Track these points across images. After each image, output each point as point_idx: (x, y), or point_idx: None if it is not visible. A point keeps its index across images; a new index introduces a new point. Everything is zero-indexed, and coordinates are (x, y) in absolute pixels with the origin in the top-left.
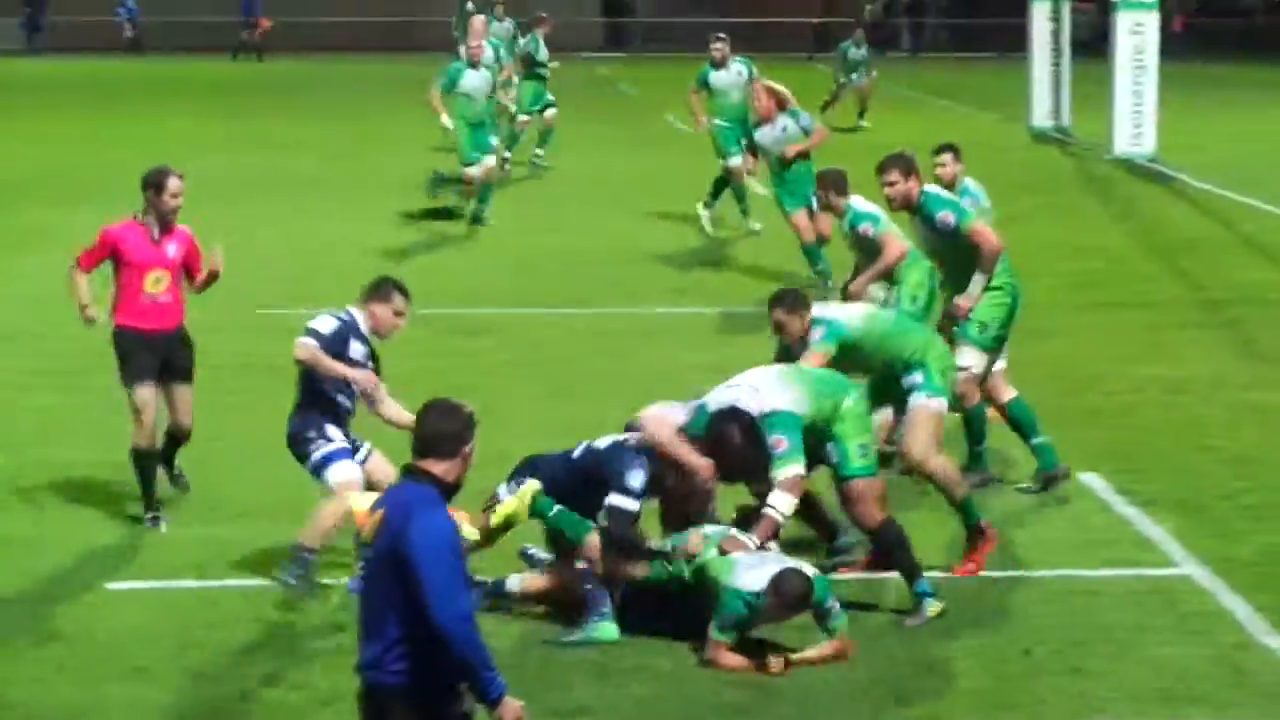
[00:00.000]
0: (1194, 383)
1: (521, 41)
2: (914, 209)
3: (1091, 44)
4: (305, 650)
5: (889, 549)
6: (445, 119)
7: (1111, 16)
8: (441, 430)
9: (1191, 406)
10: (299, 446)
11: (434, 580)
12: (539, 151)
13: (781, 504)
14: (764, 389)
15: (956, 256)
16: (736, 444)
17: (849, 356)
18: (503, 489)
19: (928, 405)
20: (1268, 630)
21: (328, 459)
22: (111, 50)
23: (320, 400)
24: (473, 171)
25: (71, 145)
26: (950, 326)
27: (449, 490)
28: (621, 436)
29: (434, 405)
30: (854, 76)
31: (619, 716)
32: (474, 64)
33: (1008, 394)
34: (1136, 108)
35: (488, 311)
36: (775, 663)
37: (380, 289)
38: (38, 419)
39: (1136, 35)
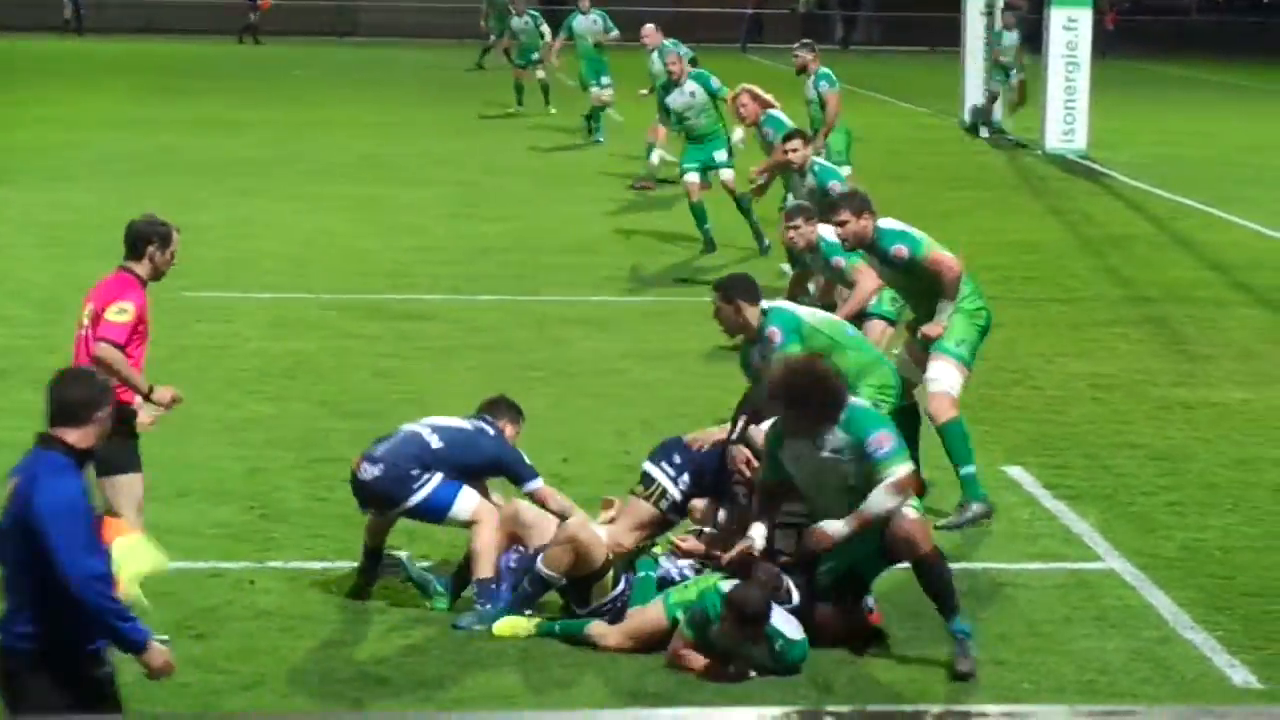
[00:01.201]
0: (1121, 379)
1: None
2: (868, 246)
3: (1024, 39)
4: (228, 633)
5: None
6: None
7: (1045, 12)
8: (74, 398)
9: (1118, 403)
10: (400, 490)
11: (63, 543)
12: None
13: (887, 503)
14: None
15: (918, 287)
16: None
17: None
18: (650, 466)
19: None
20: (1190, 624)
21: (448, 493)
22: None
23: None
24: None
25: None
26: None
27: (82, 457)
28: None
29: (66, 373)
30: (1011, 73)
31: (540, 700)
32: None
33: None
34: (1069, 104)
35: (430, 298)
36: (737, 666)
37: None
38: None
39: (1069, 31)
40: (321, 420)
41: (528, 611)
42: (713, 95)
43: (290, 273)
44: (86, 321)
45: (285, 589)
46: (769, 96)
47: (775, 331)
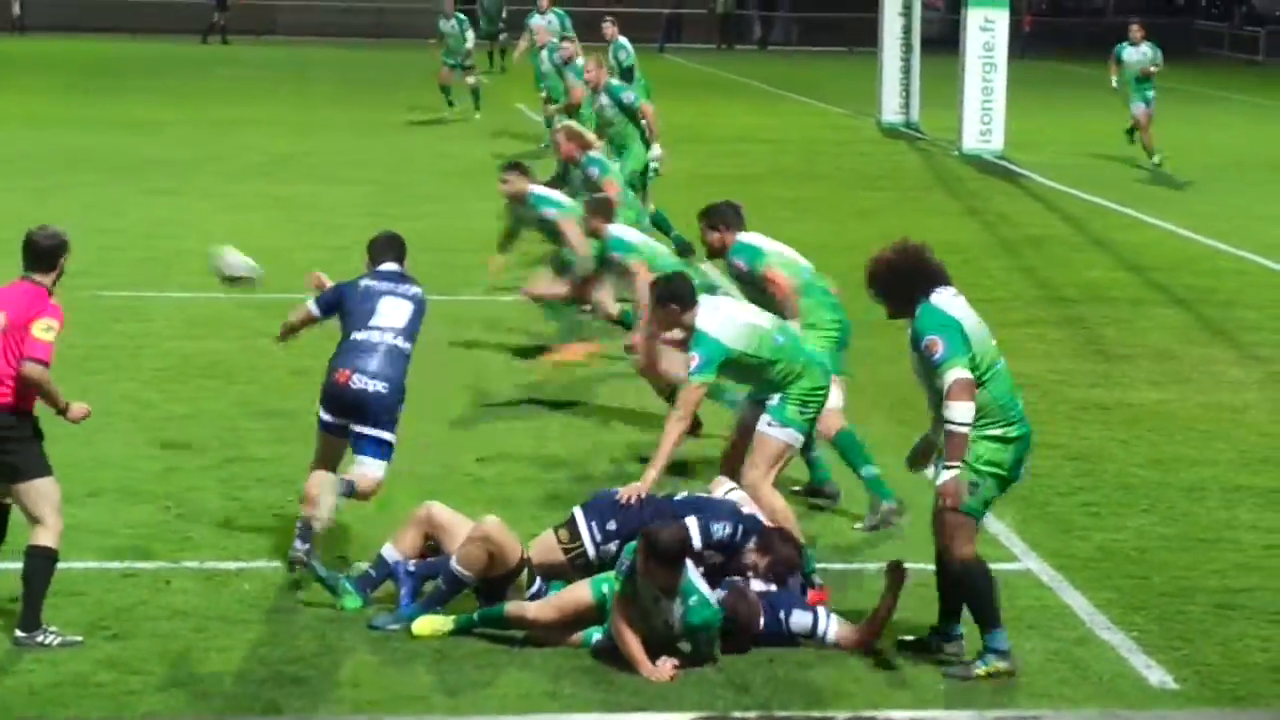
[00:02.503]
0: (1038, 379)
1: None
2: (726, 258)
3: (942, 40)
4: (143, 633)
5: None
6: None
7: (962, 13)
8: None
9: (1035, 403)
10: (389, 416)
11: None
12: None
13: (960, 414)
14: None
15: (764, 302)
16: None
17: (724, 370)
18: (580, 520)
19: (767, 432)
20: (1107, 625)
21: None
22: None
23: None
24: None
25: None
26: None
27: None
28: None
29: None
30: (1149, 96)
31: (456, 703)
32: None
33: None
34: (986, 104)
35: None
36: (664, 665)
37: None
38: None
39: (986, 32)
40: (238, 420)
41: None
42: (623, 108)
43: (207, 272)
44: None
45: (201, 589)
46: (590, 136)
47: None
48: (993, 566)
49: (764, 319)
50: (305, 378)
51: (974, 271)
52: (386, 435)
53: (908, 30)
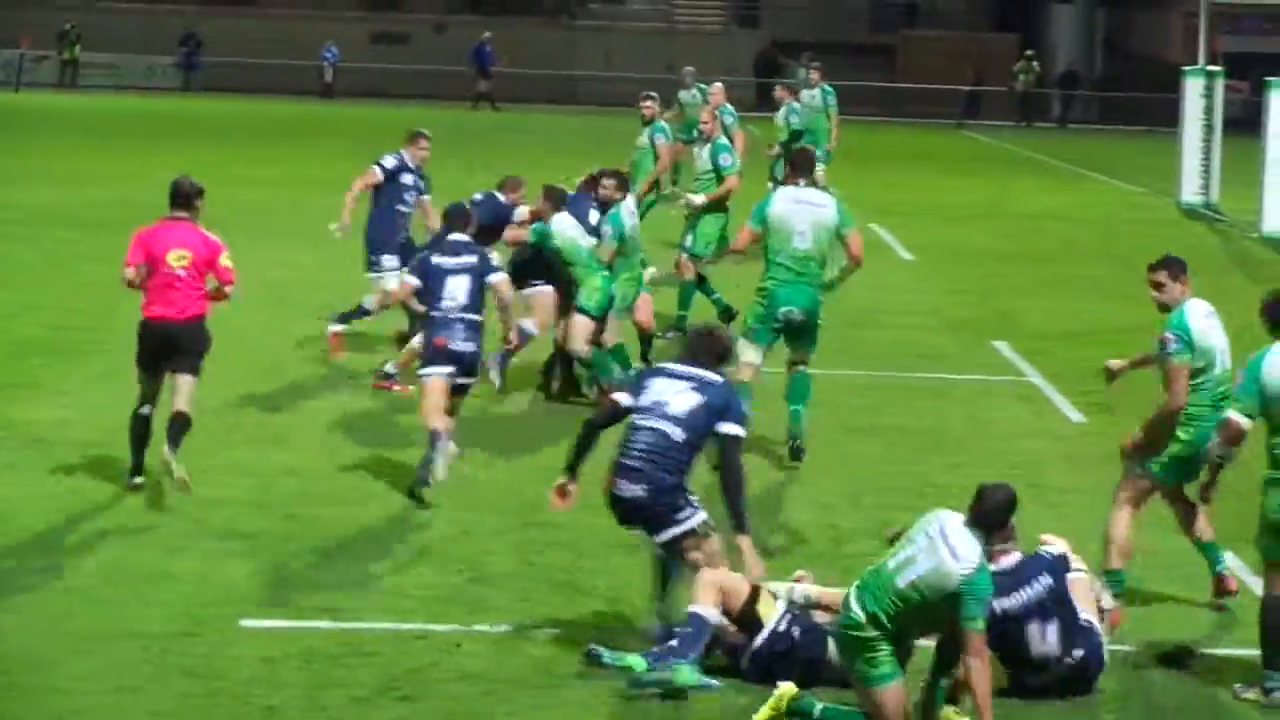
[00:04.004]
0: None
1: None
2: None
3: (1243, 121)
4: (433, 695)
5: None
6: None
7: (1264, 94)
8: None
9: None
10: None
11: None
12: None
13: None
14: None
15: None
16: None
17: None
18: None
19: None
20: None
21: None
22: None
23: None
24: None
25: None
26: None
27: None
28: None
29: None
30: None
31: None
32: None
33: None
34: None
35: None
36: None
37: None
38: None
39: None
40: (532, 485)
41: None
42: (715, 168)
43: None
44: (179, 267)
45: (491, 653)
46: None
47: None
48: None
49: None
50: (603, 444)
51: None
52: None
53: (1209, 111)
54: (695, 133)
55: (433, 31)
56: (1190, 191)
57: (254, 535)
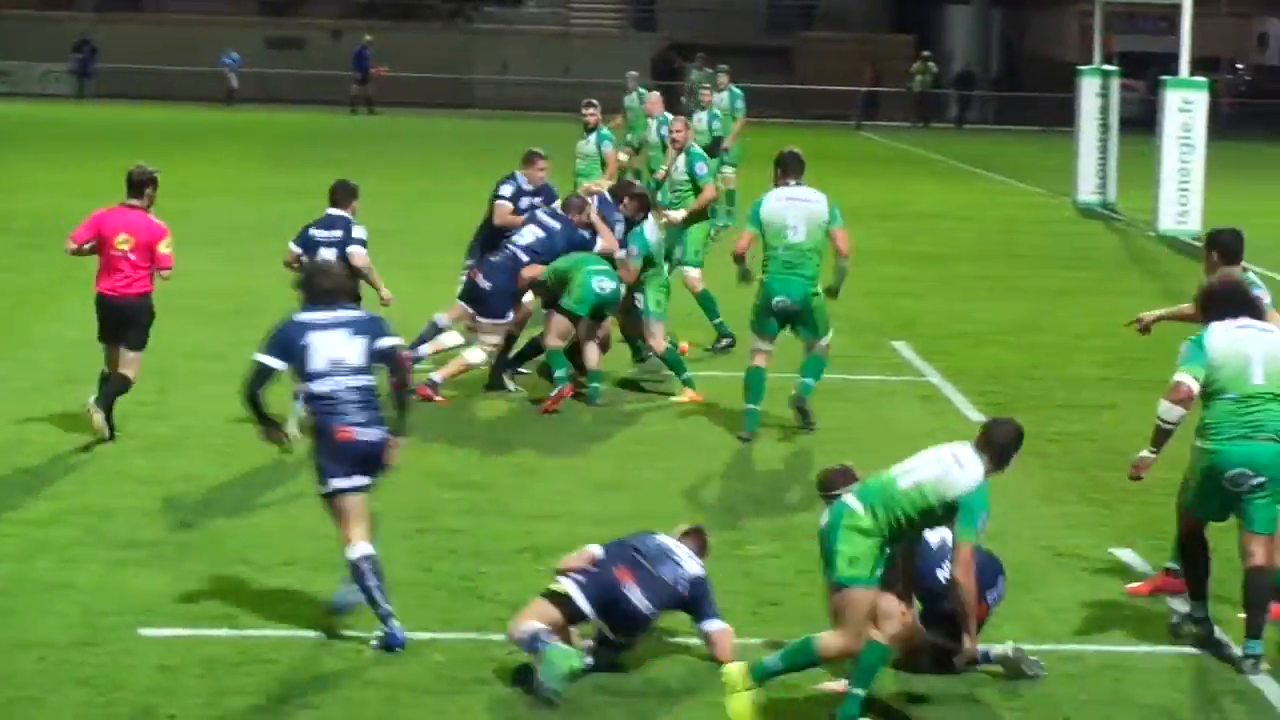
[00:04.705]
0: None
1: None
2: None
3: (1140, 120)
4: (334, 702)
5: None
6: None
7: (1160, 94)
8: None
9: None
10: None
11: None
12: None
13: (1161, 410)
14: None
15: None
16: None
17: None
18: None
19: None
20: None
21: None
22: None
23: None
24: None
25: None
26: None
27: None
28: None
29: None
30: None
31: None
32: None
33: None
34: (1183, 185)
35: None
36: None
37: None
38: (75, 467)
39: (1185, 113)
40: (431, 491)
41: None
42: (691, 178)
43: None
44: (126, 248)
45: (392, 659)
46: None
47: None
48: (1186, 650)
49: None
50: (500, 449)
51: (1171, 352)
52: None
53: (1105, 110)
54: (636, 138)
55: (329, 37)
56: (1087, 191)
57: (152, 544)
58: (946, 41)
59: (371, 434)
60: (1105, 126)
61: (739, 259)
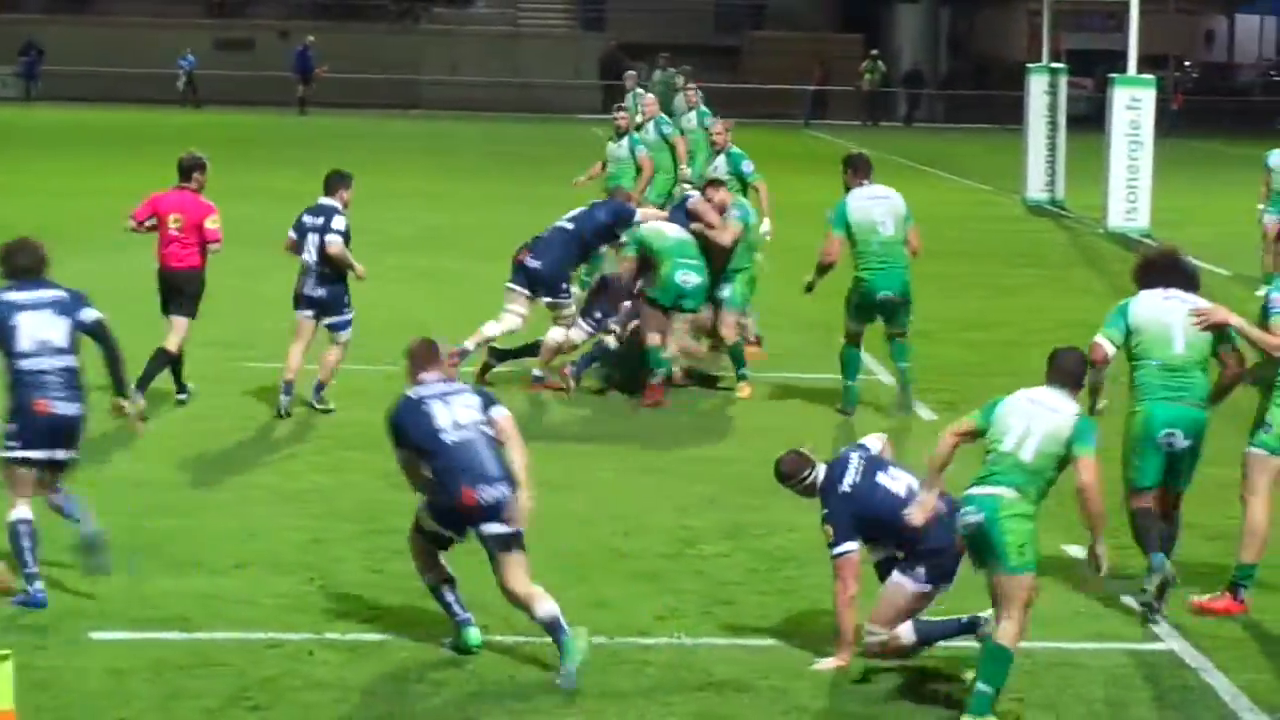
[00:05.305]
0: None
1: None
2: None
3: (1088, 118)
4: (285, 704)
5: None
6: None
7: (1108, 91)
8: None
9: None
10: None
11: None
12: None
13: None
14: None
15: None
16: None
17: None
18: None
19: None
20: (1250, 707)
21: None
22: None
23: None
24: None
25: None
26: None
27: None
28: None
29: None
30: None
31: None
32: None
33: None
34: (1131, 182)
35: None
36: None
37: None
38: None
39: (1133, 111)
40: (382, 492)
41: None
42: (739, 179)
43: (354, 344)
44: (176, 228)
45: (343, 661)
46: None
47: None
48: (1135, 647)
49: None
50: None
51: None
52: None
53: (1053, 108)
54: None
55: (277, 38)
56: (1036, 188)
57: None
58: (895, 40)
59: (68, 409)
60: (1054, 124)
61: (829, 267)
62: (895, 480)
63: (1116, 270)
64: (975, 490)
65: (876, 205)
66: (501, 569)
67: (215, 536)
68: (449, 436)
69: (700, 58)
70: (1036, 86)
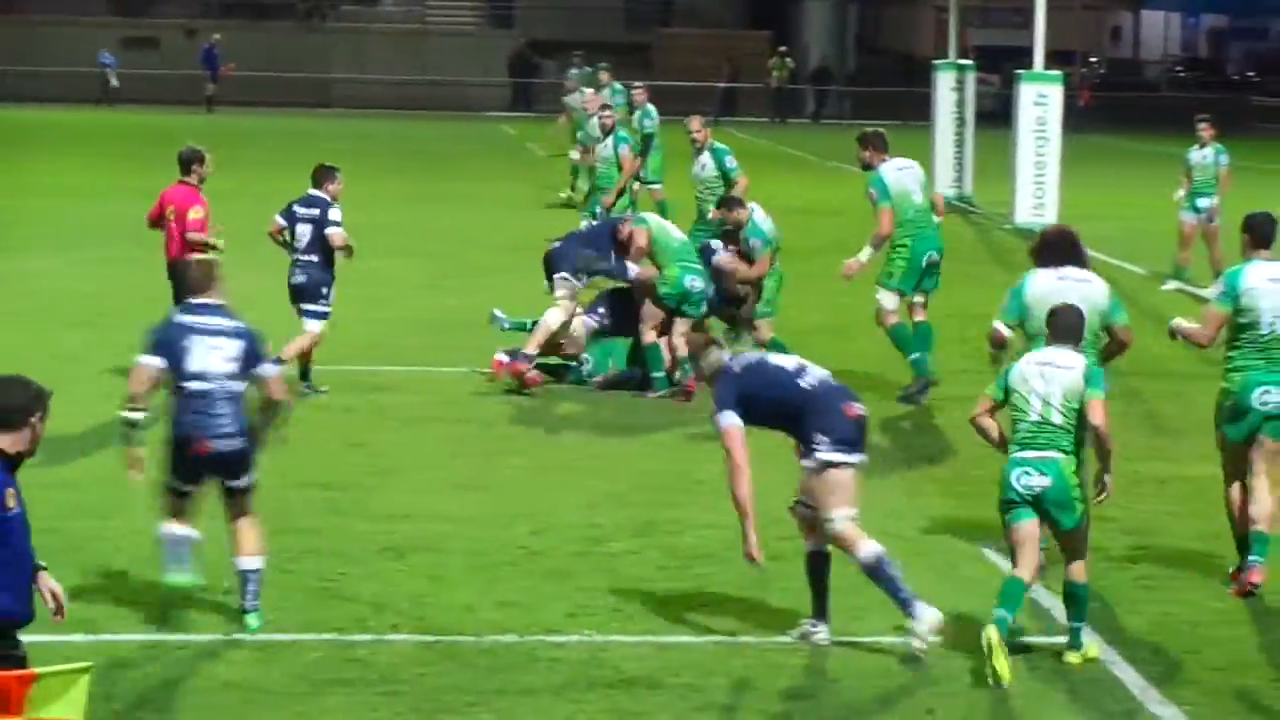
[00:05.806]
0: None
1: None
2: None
3: (995, 114)
4: (193, 706)
5: None
6: None
7: (1015, 88)
8: (8, 404)
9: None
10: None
11: None
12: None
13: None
14: None
15: None
16: None
17: None
18: None
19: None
20: (1159, 699)
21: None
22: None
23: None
24: None
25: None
26: None
27: (13, 461)
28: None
29: (1, 380)
30: (1200, 205)
31: None
32: None
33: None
34: (1039, 178)
35: (392, 369)
36: None
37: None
38: None
39: (1040, 107)
40: (290, 492)
41: None
42: (722, 173)
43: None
44: (172, 219)
45: (251, 661)
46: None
47: None
48: (1046, 640)
49: None
50: (360, 449)
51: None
52: None
53: (961, 104)
54: (585, 137)
55: (183, 36)
56: (944, 184)
57: None
58: (803, 37)
59: None
60: (961, 120)
61: (886, 239)
62: (787, 359)
63: (1024, 264)
64: (1028, 454)
65: (906, 175)
66: None
67: (119, 537)
68: None
69: (611, 55)
70: (944, 83)
